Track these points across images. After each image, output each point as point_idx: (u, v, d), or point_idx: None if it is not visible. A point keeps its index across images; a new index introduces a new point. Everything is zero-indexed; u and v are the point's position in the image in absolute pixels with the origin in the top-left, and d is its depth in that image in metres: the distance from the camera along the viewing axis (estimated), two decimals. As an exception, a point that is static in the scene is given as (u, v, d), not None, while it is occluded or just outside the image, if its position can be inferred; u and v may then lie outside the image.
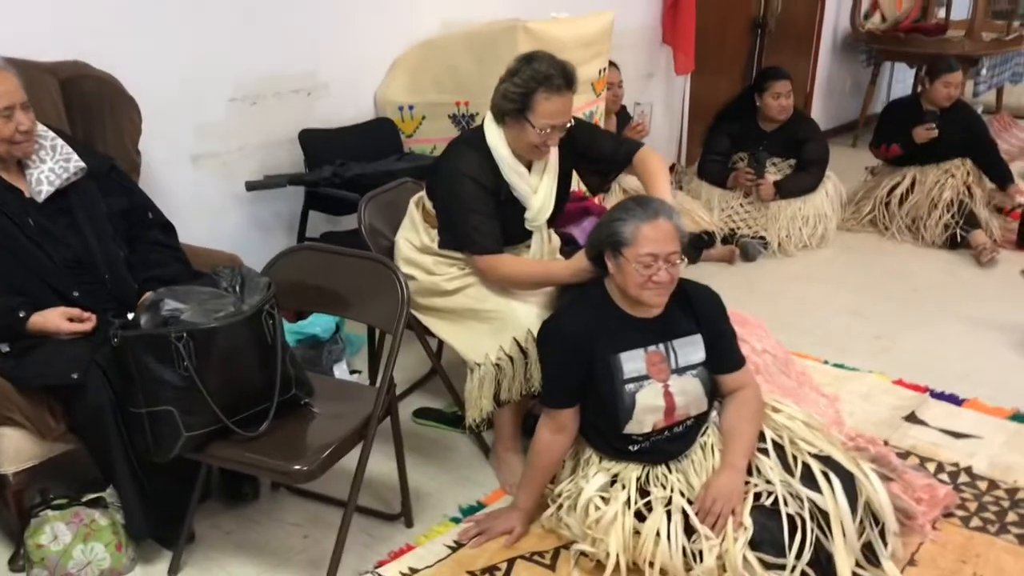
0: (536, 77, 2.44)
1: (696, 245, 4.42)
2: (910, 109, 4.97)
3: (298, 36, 3.44)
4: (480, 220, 2.53)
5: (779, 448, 2.36)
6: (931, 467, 2.78)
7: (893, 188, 4.99)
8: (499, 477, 2.70)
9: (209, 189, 3.31)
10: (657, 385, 2.30)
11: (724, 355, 2.39)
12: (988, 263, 4.51)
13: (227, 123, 3.30)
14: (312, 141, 3.43)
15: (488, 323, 2.59)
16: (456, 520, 2.51)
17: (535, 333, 2.51)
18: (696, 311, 2.37)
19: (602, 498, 2.28)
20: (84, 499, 2.26)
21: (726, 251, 4.51)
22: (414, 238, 2.72)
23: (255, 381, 2.15)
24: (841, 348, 3.61)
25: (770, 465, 2.31)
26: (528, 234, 2.68)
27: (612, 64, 4.29)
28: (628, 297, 2.29)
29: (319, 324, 3.19)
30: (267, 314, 2.15)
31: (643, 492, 2.29)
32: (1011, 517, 2.54)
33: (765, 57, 6.00)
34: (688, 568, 2.18)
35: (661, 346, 2.32)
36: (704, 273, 4.35)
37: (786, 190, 4.63)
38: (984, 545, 2.43)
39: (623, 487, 2.29)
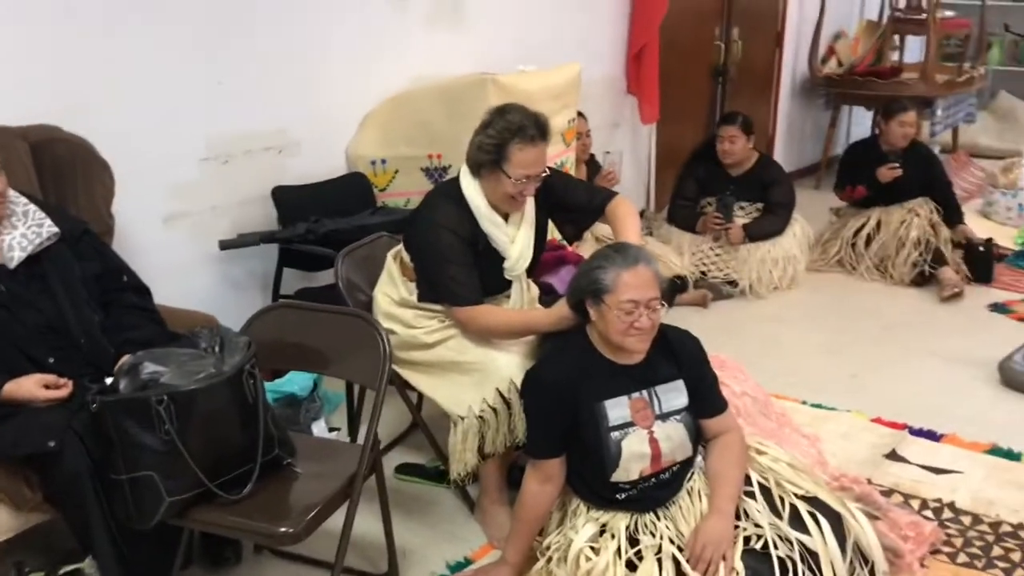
0: (510, 128, 2.46)
1: (670, 290, 4.46)
2: (870, 151, 5.08)
3: (268, 95, 3.45)
4: (458, 271, 2.54)
5: (765, 491, 2.36)
6: (915, 504, 2.79)
7: (859, 229, 5.07)
8: (486, 532, 2.67)
9: (182, 249, 3.28)
10: (642, 432, 2.29)
11: (707, 399, 2.40)
12: (951, 299, 4.57)
13: (199, 182, 3.29)
14: (285, 198, 3.43)
15: (470, 375, 2.58)
16: (443, 577, 2.48)
17: (518, 383, 2.51)
18: (677, 356, 2.38)
19: (592, 548, 2.25)
20: (62, 571, 2.20)
21: (698, 295, 4.54)
22: (392, 292, 2.71)
23: (237, 442, 2.12)
24: (818, 388, 3.64)
25: (757, 508, 2.31)
26: (507, 284, 2.68)
27: (580, 114, 4.35)
28: (610, 344, 2.29)
29: (296, 382, 3.15)
30: (248, 374, 2.12)
31: (633, 541, 2.27)
32: (996, 551, 2.56)
33: (728, 104, 6.11)
34: (681, 616, 2.16)
35: (644, 392, 2.32)
36: (677, 317, 4.37)
37: (755, 233, 4.69)
38: (971, 581, 2.44)
39: (612, 536, 2.27)
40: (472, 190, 2.57)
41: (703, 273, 4.68)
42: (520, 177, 2.48)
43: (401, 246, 2.77)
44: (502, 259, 2.63)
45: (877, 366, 3.88)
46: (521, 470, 2.77)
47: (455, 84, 3.67)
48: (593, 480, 2.33)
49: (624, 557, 2.21)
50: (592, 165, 4.60)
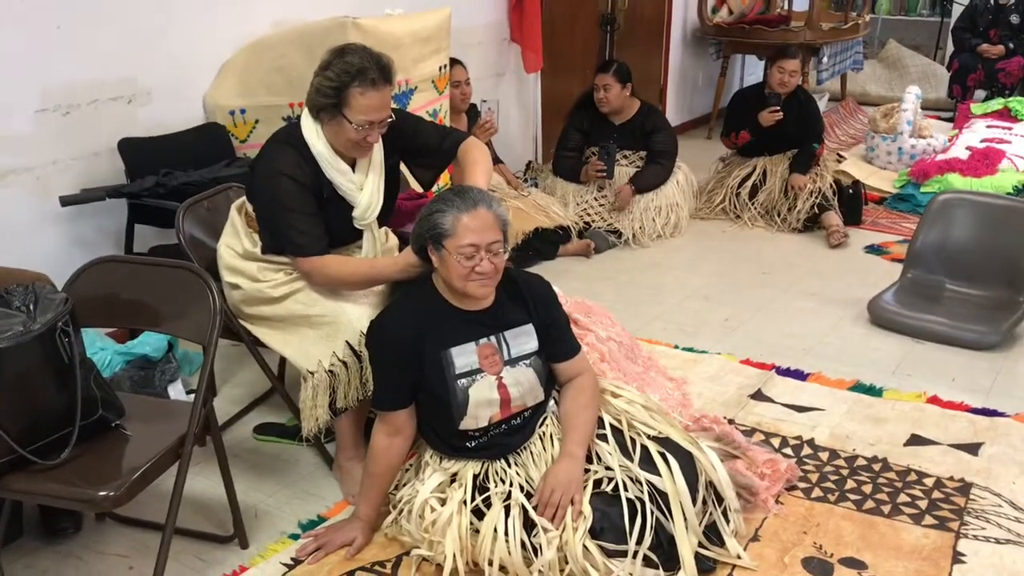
0: (349, 71, 2.35)
1: (553, 241, 4.42)
2: (755, 97, 5.09)
3: (115, 40, 3.26)
4: (300, 220, 2.43)
5: (618, 432, 2.34)
6: (775, 442, 2.81)
7: (745, 179, 5.09)
8: (342, 488, 2.59)
9: (21, 207, 3.09)
10: (490, 378, 2.24)
11: (558, 343, 2.36)
12: (839, 245, 4.64)
13: (37, 135, 3.09)
14: (133, 151, 3.25)
15: (319, 328, 2.48)
16: (295, 537, 2.39)
17: (368, 335, 2.42)
18: (527, 300, 2.33)
19: (439, 499, 2.20)
20: None
21: (582, 245, 4.50)
22: (236, 244, 2.59)
23: (53, 405, 1.99)
24: (692, 332, 3.65)
25: (609, 451, 2.29)
26: (358, 234, 2.58)
27: (457, 62, 4.25)
28: (454, 290, 2.23)
29: (149, 343, 3.01)
30: (61, 331, 1.99)
31: (482, 489, 2.23)
32: (850, 484, 2.59)
33: (616, 54, 6.05)
34: (528, 563, 2.12)
35: (493, 338, 2.27)
36: (561, 267, 4.36)
37: (640, 186, 4.67)
38: (824, 514, 2.46)
39: (460, 486, 2.22)
40: (313, 135, 2.45)
41: (587, 223, 4.64)
42: (362, 123, 2.38)
43: (245, 197, 2.64)
44: (351, 207, 2.53)
45: (752, 309, 3.91)
46: (380, 424, 2.72)
47: (315, 28, 3.52)
48: (442, 429, 2.27)
49: (471, 506, 2.17)
50: (472, 115, 4.50)
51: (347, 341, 2.44)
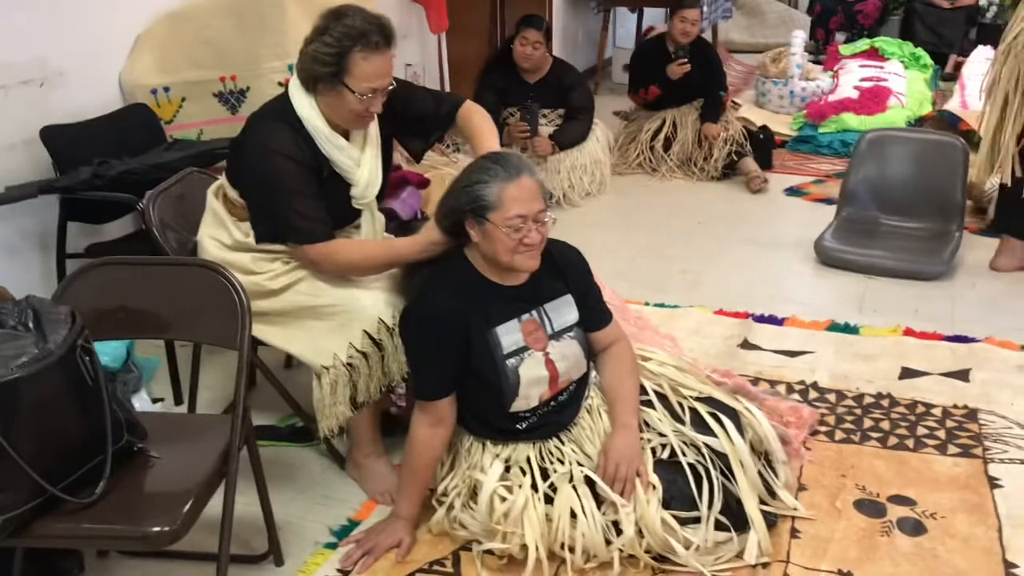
0: (350, 34, 2.14)
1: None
2: (658, 50, 5.09)
3: (16, 19, 2.87)
4: (303, 203, 2.21)
5: (661, 397, 2.28)
6: (781, 388, 2.83)
7: (656, 132, 5.10)
8: (365, 488, 2.42)
9: (-68, 213, 2.71)
10: (537, 354, 2.12)
11: (594, 312, 2.26)
12: (759, 190, 4.72)
13: (-58, 129, 2.71)
14: (58, 139, 2.89)
15: (329, 319, 2.28)
16: (331, 546, 2.21)
17: (387, 321, 2.25)
18: (563, 270, 2.21)
19: (505, 487, 2.07)
20: None
21: (516, 208, 4.39)
22: (222, 235, 2.34)
23: (79, 434, 1.73)
24: (656, 288, 3.63)
25: (658, 417, 2.23)
26: (354, 214, 2.39)
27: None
28: (496, 266, 2.09)
29: (106, 352, 2.69)
30: (82, 350, 1.73)
31: (542, 472, 2.12)
32: (867, 423, 2.63)
33: (507, 12, 5.93)
34: (607, 543, 2.04)
35: (534, 312, 2.15)
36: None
37: (562, 142, 4.59)
38: (854, 455, 2.49)
39: (523, 471, 2.10)
40: (308, 109, 2.23)
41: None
42: (365, 91, 2.18)
43: (222, 181, 2.39)
44: (348, 186, 2.33)
45: (702, 260, 3.93)
46: (392, 417, 2.56)
47: (244, -6, 3.23)
48: (490, 414, 2.14)
49: (541, 491, 2.05)
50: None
51: (364, 330, 2.26)
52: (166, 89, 3.25)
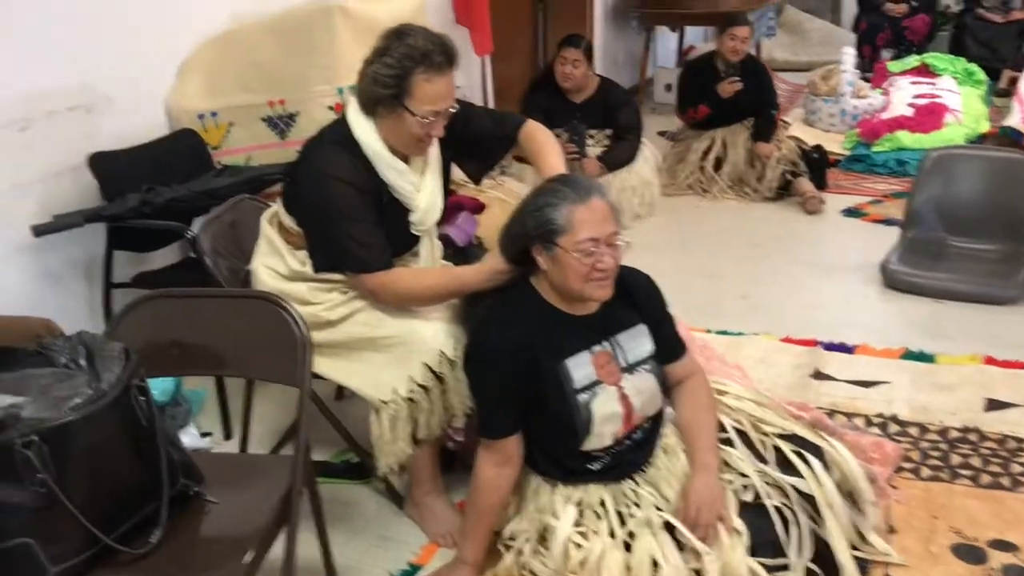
0: (412, 55, 2.04)
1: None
2: (708, 69, 4.97)
3: (63, 42, 2.80)
4: (362, 231, 2.11)
5: (741, 435, 2.14)
6: (859, 421, 2.68)
7: (706, 152, 4.97)
8: (425, 529, 2.30)
9: (-21, 242, 2.64)
10: (611, 389, 1.99)
11: (668, 343, 2.13)
12: (816, 211, 4.57)
13: (-9, 157, 2.64)
14: (105, 166, 2.81)
15: (389, 352, 2.18)
16: (393, 592, 2.10)
17: (449, 353, 2.14)
18: (634, 297, 2.09)
19: (580, 533, 1.94)
20: None
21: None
22: (277, 264, 2.25)
23: (133, 479, 1.63)
24: (713, 314, 3.48)
25: (739, 456, 2.09)
26: (413, 241, 2.28)
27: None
28: (566, 294, 1.97)
29: (155, 386, 2.56)
30: (137, 390, 1.63)
31: (617, 516, 1.99)
32: (955, 459, 2.47)
33: (550, 33, 5.84)
34: (689, 592, 1.90)
35: (606, 344, 2.02)
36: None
37: (611, 162, 4.48)
38: (944, 494, 2.34)
39: (598, 516, 1.97)
40: (367, 132, 2.13)
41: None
42: (427, 114, 2.08)
43: (277, 208, 2.30)
44: (407, 212, 2.23)
45: (761, 284, 3.79)
46: (451, 453, 2.44)
47: (292, 15, 3.15)
48: (560, 452, 2.02)
49: (619, 537, 1.92)
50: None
51: (424, 363, 2.14)
52: (213, 114, 3.18)
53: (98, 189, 2.81)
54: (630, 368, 2.03)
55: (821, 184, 4.88)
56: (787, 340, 3.21)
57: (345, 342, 2.21)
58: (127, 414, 1.61)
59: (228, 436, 2.75)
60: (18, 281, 2.77)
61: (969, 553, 2.11)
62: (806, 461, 2.06)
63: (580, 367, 1.98)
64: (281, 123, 3.14)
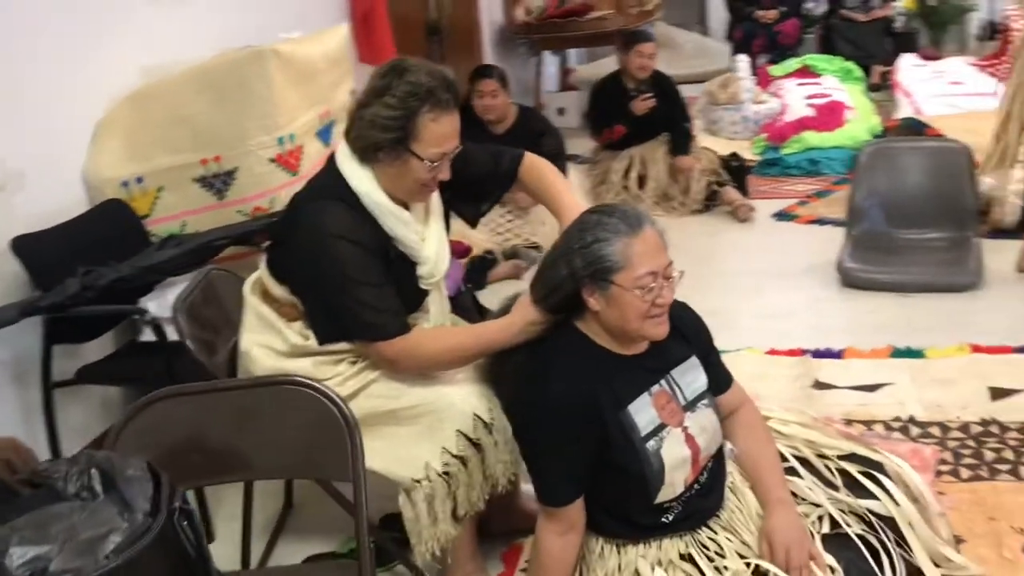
0: (417, 93, 1.84)
1: (481, 268, 3.99)
2: (616, 88, 4.93)
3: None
4: (374, 295, 1.88)
5: (802, 462, 2.01)
6: (879, 428, 2.60)
7: (627, 171, 4.91)
8: (471, 614, 2.07)
9: None
10: (676, 431, 1.82)
11: (718, 372, 1.98)
12: (747, 218, 4.56)
13: None
14: (30, 250, 2.47)
15: (414, 424, 1.95)
16: None
17: (484, 417, 1.94)
18: (682, 330, 1.93)
19: (663, 598, 1.76)
20: None
21: (511, 267, 4.11)
22: (273, 341, 1.99)
23: (185, 623, 1.35)
24: (687, 334, 3.37)
25: (807, 486, 1.95)
26: (420, 298, 2.06)
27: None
28: (620, 336, 1.79)
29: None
30: (181, 514, 1.36)
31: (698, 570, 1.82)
32: (988, 455, 2.43)
33: (446, 62, 5.67)
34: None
35: (663, 383, 1.85)
36: (497, 293, 3.93)
37: None
38: (991, 493, 2.28)
39: (683, 573, 1.79)
40: (365, 182, 1.91)
41: (514, 246, 4.25)
42: (435, 157, 1.88)
43: (260, 277, 2.05)
44: (413, 266, 2.01)
45: (722, 298, 3.70)
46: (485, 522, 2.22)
47: (218, 63, 2.87)
48: (631, 508, 1.83)
49: (711, 597, 1.75)
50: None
51: (458, 430, 1.93)
52: (139, 180, 2.85)
53: (26, 277, 2.45)
54: (691, 405, 1.87)
55: (744, 191, 4.88)
56: (773, 352, 3.13)
57: (361, 419, 1.93)
58: (174, 548, 1.33)
59: (211, 539, 2.43)
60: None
61: (1042, 552, 2.05)
62: (877, 481, 1.95)
63: (642, 412, 1.80)
64: (217, 182, 2.85)
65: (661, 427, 1.81)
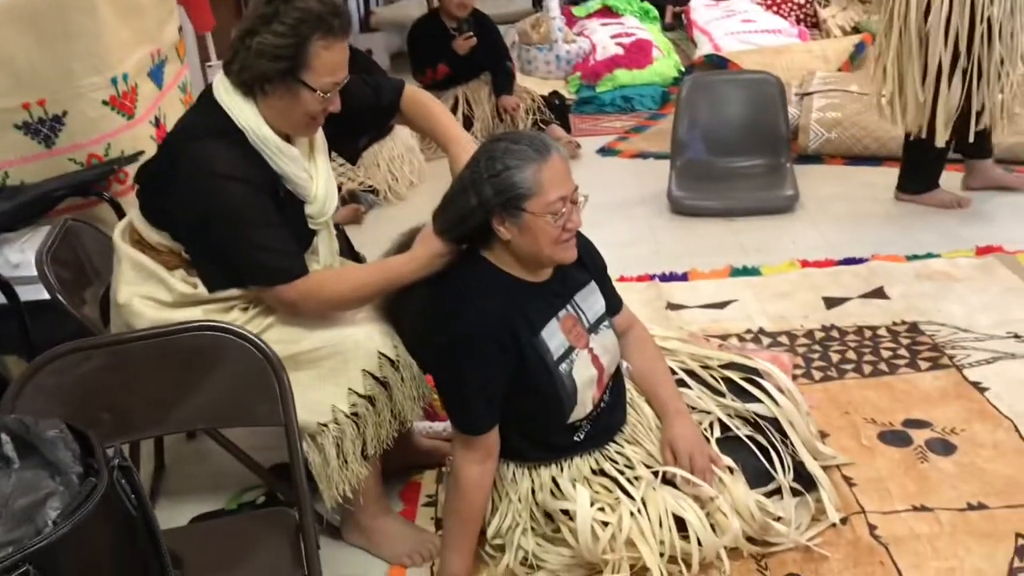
0: (307, 19, 1.75)
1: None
2: (434, 27, 4.87)
3: None
4: (268, 236, 1.81)
5: (689, 373, 2.13)
6: (733, 341, 2.78)
7: (452, 110, 4.87)
8: (383, 554, 2.04)
9: None
10: (583, 353, 1.88)
11: (611, 296, 2.06)
12: (574, 156, 4.66)
13: None
14: None
15: (316, 367, 1.89)
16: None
17: (389, 354, 1.91)
18: (581, 255, 1.98)
19: (599, 509, 1.82)
20: None
21: (350, 211, 3.98)
22: (157, 291, 1.86)
23: (131, 583, 1.27)
24: (538, 268, 3.44)
25: (697, 395, 2.08)
26: (309, 238, 1.99)
27: None
28: (530, 263, 1.82)
29: None
30: (120, 473, 1.26)
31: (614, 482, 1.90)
32: (834, 357, 2.65)
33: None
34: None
35: (569, 307, 1.91)
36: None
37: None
38: (842, 391, 2.49)
39: (606, 489, 1.86)
40: (251, 117, 1.81)
41: (350, 191, 4.14)
42: (327, 87, 1.81)
43: (131, 223, 1.91)
44: (300, 205, 1.93)
45: (564, 231, 3.80)
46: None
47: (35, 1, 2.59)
48: (545, 431, 1.88)
49: (637, 504, 1.83)
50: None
51: (364, 370, 1.89)
52: (-50, 129, 2.55)
53: None
54: (594, 328, 1.93)
55: (567, 129, 4.99)
56: (623, 279, 3.24)
57: (260, 365, 1.88)
58: (116, 507, 1.24)
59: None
60: None
61: (895, 438, 2.27)
62: (758, 385, 2.09)
63: (553, 336, 1.84)
64: (45, 128, 2.59)
65: (571, 350, 1.86)
